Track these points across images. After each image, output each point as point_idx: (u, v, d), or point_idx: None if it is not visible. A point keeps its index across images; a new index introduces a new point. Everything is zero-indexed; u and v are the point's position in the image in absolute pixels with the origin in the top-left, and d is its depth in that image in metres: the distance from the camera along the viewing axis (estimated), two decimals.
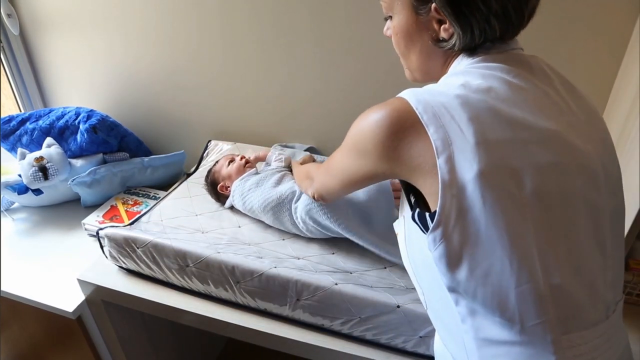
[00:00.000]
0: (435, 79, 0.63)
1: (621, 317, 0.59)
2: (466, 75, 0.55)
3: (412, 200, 0.59)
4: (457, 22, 0.55)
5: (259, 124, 1.42)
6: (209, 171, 1.22)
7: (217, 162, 1.24)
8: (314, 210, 0.94)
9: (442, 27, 0.57)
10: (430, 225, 0.52)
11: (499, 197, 0.49)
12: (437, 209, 0.50)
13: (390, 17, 0.64)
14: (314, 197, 0.84)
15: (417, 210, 0.56)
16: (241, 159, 1.19)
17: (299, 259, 0.97)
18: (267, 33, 1.24)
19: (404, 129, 0.52)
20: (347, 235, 0.94)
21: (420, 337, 0.80)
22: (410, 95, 0.54)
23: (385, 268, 0.94)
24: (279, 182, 1.07)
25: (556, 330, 0.50)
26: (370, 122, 0.56)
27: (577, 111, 0.57)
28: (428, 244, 0.53)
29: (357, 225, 0.95)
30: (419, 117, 0.51)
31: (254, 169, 1.17)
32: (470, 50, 0.58)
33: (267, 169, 1.15)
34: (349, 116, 1.28)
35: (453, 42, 0.57)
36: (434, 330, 0.78)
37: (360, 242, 0.94)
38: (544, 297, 0.50)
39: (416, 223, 0.57)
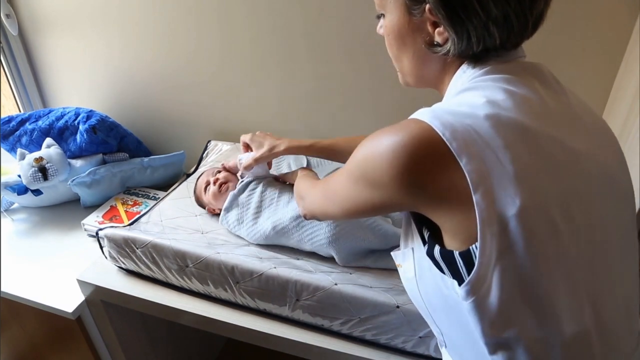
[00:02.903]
0: (429, 85, 0.60)
1: None
2: (484, 90, 0.49)
3: (427, 234, 0.53)
4: (452, 27, 0.50)
5: (258, 123, 1.42)
6: (195, 187, 1.17)
7: (199, 176, 1.17)
8: (322, 245, 0.93)
9: (437, 30, 0.52)
10: (462, 268, 0.46)
11: (543, 233, 0.44)
12: (477, 253, 0.44)
13: (383, 15, 0.59)
14: (305, 217, 0.77)
15: (438, 247, 0.50)
16: (215, 182, 1.10)
17: (298, 259, 0.96)
18: (266, 33, 1.24)
19: (428, 159, 0.45)
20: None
21: (420, 337, 0.79)
22: (432, 118, 0.46)
23: (384, 268, 0.94)
24: (257, 212, 1.01)
25: None
26: (385, 150, 0.47)
27: (592, 123, 0.54)
28: (463, 294, 0.47)
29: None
30: (448, 145, 0.44)
31: (230, 190, 1.07)
32: (472, 58, 0.53)
33: (241, 189, 1.06)
34: (348, 115, 1.30)
35: (448, 47, 0.52)
36: None
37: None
38: (591, 335, 0.47)
39: (434, 261, 0.51)
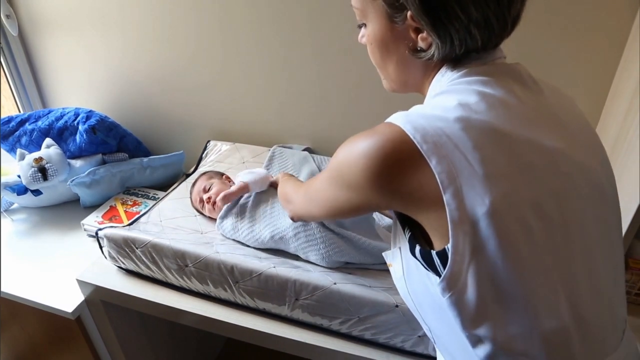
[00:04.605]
0: (414, 90, 0.61)
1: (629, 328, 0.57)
2: (458, 94, 0.50)
3: (408, 234, 0.55)
4: (435, 32, 0.50)
5: (257, 124, 1.42)
6: (191, 199, 1.17)
7: (193, 185, 1.17)
8: (309, 249, 0.94)
9: (420, 36, 0.52)
10: (439, 266, 0.48)
11: (515, 232, 0.45)
12: (450, 251, 0.46)
13: (365, 24, 0.59)
14: (292, 219, 0.80)
15: (418, 247, 0.52)
16: (208, 200, 1.08)
17: (297, 258, 0.97)
18: (266, 34, 1.24)
19: (400, 161, 0.47)
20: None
21: (419, 336, 0.80)
22: (404, 122, 0.47)
23: (382, 269, 0.94)
24: (252, 220, 1.01)
25: None
26: (359, 153, 0.50)
27: (572, 122, 0.54)
28: (440, 290, 0.49)
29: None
30: (418, 147, 0.45)
31: (223, 206, 1.05)
32: (453, 61, 0.54)
33: (234, 202, 1.05)
34: (347, 117, 1.30)
35: (432, 52, 0.53)
36: None
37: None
38: (570, 331, 0.47)
39: (418, 260, 0.52)
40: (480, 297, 0.46)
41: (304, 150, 1.34)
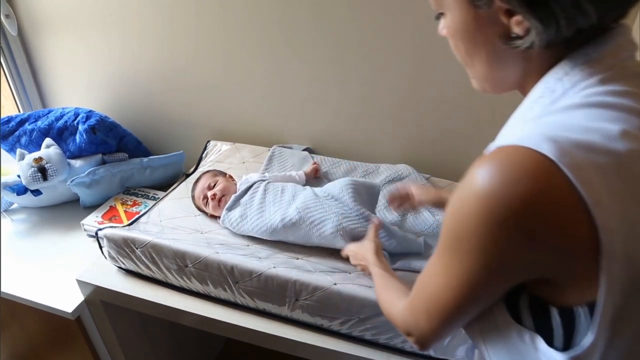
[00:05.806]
0: (511, 88, 0.50)
1: None
2: (613, 111, 0.38)
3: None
4: (533, 13, 0.39)
5: (257, 124, 1.42)
6: (192, 195, 1.16)
7: (196, 183, 1.16)
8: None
9: (514, 19, 0.41)
10: (556, 328, 0.40)
11: None
12: (595, 324, 0.37)
13: (443, 13, 0.49)
14: (421, 346, 0.53)
15: (527, 296, 0.42)
16: (212, 198, 1.08)
17: (297, 259, 0.97)
18: (267, 35, 1.24)
19: (547, 204, 0.36)
20: None
21: None
22: (554, 151, 0.35)
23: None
24: (261, 208, 1.02)
25: None
26: (483, 194, 0.37)
27: None
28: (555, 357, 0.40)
29: None
30: (578, 188, 0.34)
31: (230, 198, 1.07)
32: (565, 48, 0.43)
33: (244, 191, 1.07)
34: (347, 117, 1.30)
35: (531, 39, 0.41)
36: None
37: None
38: None
39: (512, 307, 0.44)
40: None
41: (304, 150, 1.35)
